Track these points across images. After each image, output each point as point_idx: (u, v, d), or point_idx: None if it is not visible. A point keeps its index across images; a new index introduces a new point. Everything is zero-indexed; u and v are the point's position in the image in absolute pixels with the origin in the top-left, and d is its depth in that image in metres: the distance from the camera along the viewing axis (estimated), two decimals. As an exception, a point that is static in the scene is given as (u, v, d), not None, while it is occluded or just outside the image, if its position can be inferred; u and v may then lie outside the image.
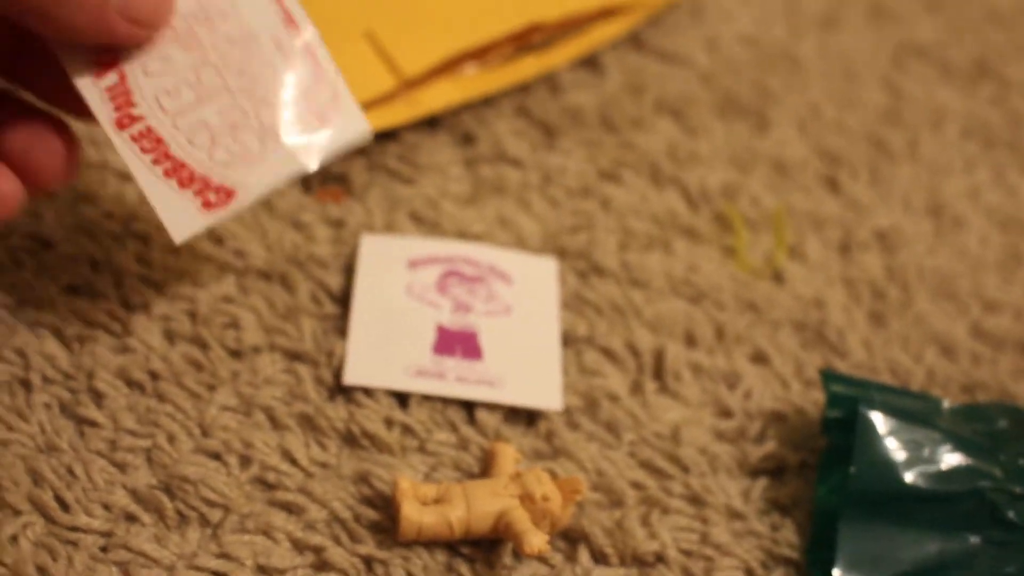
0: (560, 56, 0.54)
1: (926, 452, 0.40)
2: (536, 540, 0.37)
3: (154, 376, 0.42)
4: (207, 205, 0.39)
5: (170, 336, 0.43)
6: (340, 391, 0.42)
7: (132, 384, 0.42)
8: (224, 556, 0.38)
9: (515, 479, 0.39)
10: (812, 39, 0.60)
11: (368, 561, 0.38)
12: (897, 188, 0.53)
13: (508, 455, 0.40)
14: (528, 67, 0.53)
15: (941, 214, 0.52)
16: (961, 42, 0.62)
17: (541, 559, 0.39)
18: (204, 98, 0.39)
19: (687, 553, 0.40)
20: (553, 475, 0.40)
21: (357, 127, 0.41)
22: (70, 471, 0.39)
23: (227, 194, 0.39)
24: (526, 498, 0.38)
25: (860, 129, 0.56)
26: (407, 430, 0.42)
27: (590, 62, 0.56)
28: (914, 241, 0.51)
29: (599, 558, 0.40)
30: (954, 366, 0.47)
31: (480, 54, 0.52)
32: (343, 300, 0.45)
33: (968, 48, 0.61)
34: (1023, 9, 0.64)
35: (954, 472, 0.40)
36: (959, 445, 0.40)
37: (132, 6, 0.38)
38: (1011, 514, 0.40)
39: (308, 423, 0.41)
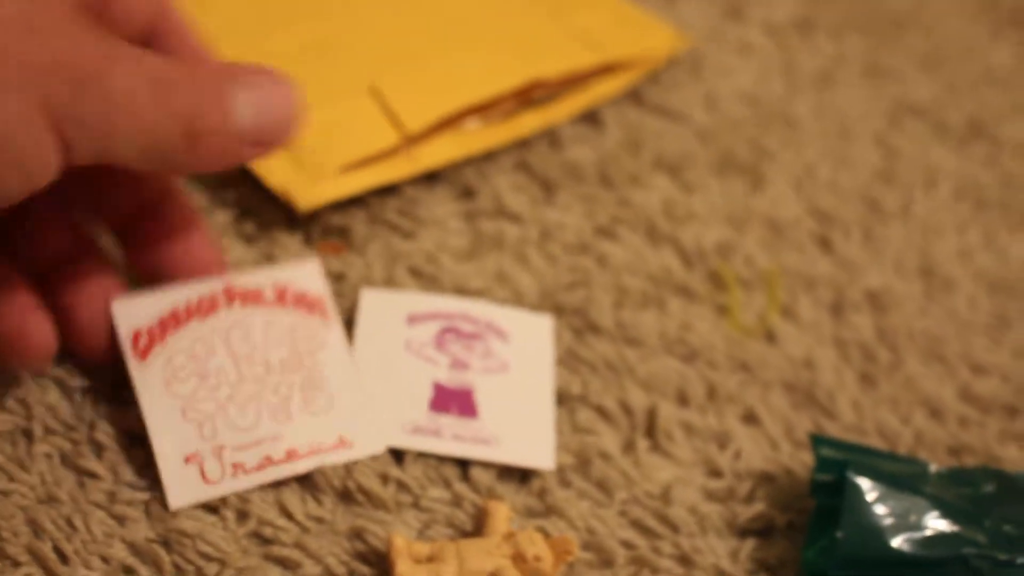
0: (561, 112, 0.55)
1: (913, 518, 0.41)
2: None
3: (154, 428, 0.43)
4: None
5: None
6: (337, 446, 0.43)
7: (132, 437, 0.42)
8: (220, 610, 0.39)
9: (508, 539, 0.40)
10: (808, 96, 0.61)
11: (361, 617, 0.39)
12: (889, 248, 0.54)
13: (501, 514, 0.41)
14: (529, 122, 0.54)
15: (932, 275, 0.53)
16: (956, 102, 0.62)
17: (531, 618, 0.40)
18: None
19: (675, 614, 0.41)
20: (545, 534, 0.41)
21: (375, 447, 0.43)
22: (69, 523, 0.40)
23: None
24: (518, 558, 0.39)
25: (853, 188, 0.56)
26: (402, 486, 0.42)
27: (590, 117, 0.56)
28: (905, 302, 0.52)
29: (588, 618, 0.40)
30: (942, 429, 0.47)
31: (482, 109, 0.53)
32: (342, 354, 0.46)
33: (963, 108, 0.62)
34: (1018, 69, 0.65)
35: (940, 538, 0.41)
36: (945, 511, 0.41)
37: (263, 131, 0.39)
38: (994, 581, 0.40)
39: (305, 478, 0.42)
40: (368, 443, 0.43)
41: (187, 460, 0.41)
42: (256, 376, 0.42)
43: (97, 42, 0.36)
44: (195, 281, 0.43)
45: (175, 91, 0.37)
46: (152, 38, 0.42)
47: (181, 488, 0.41)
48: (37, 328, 0.40)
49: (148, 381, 0.42)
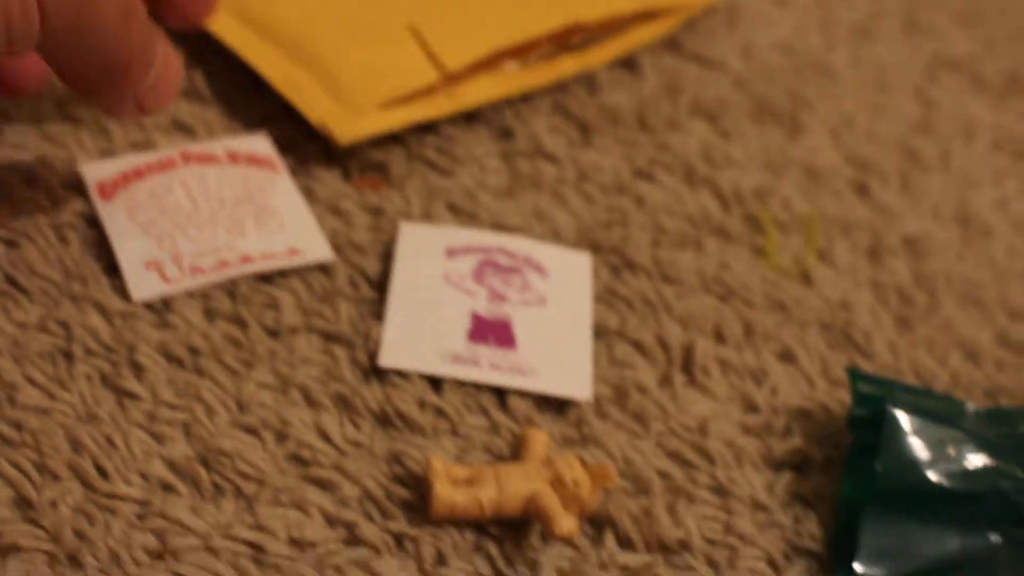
0: (598, 56, 0.55)
1: (951, 451, 0.41)
2: (566, 524, 0.38)
3: (194, 352, 0.43)
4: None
5: (210, 314, 0.44)
6: (375, 373, 0.43)
7: (171, 359, 0.43)
8: (259, 528, 0.39)
9: (547, 464, 0.40)
10: (846, 49, 0.61)
11: (399, 538, 0.39)
12: (927, 197, 0.54)
13: (539, 440, 0.41)
14: (567, 66, 0.54)
15: (969, 223, 0.53)
16: (994, 56, 0.62)
17: (569, 542, 0.40)
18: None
19: (711, 542, 0.41)
20: (583, 462, 0.41)
21: (322, 254, 0.46)
22: (110, 440, 0.40)
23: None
24: (557, 482, 0.39)
25: (891, 138, 0.56)
26: (440, 413, 0.42)
27: (627, 63, 0.56)
28: (942, 249, 0.51)
29: (624, 543, 0.40)
30: (978, 371, 0.47)
31: (521, 52, 0.53)
32: (380, 285, 0.46)
33: (1001, 62, 0.62)
34: (1056, 26, 0.65)
35: (978, 472, 0.41)
36: (983, 446, 0.41)
37: (146, 99, 0.42)
38: (1032, 515, 0.40)
39: (343, 402, 0.42)
40: (316, 251, 0.46)
41: (147, 266, 0.44)
42: (211, 208, 0.46)
43: None
44: (151, 150, 0.48)
45: (136, 20, 0.39)
46: None
47: (142, 286, 0.44)
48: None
49: (112, 212, 0.45)
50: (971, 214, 0.53)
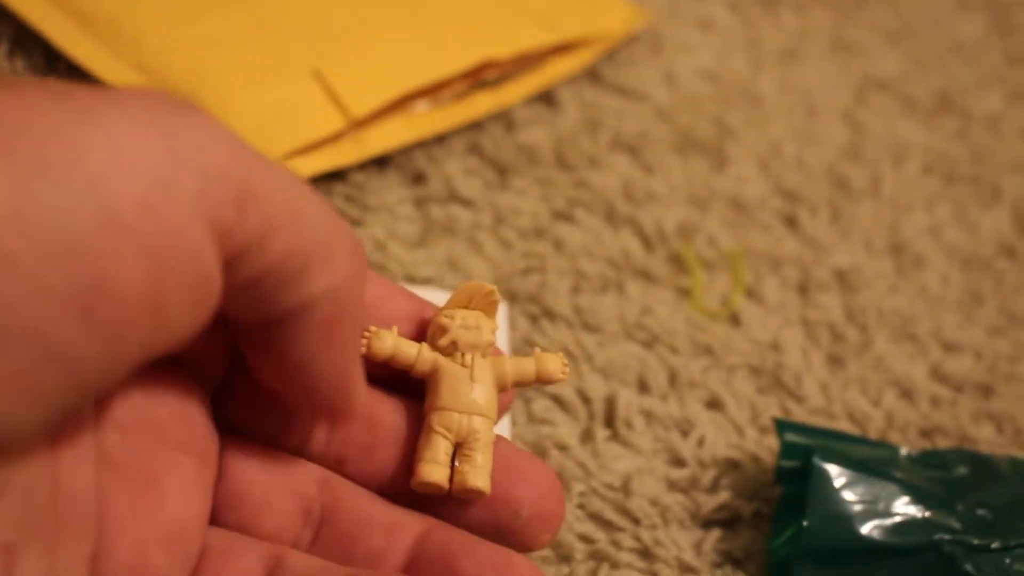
0: (515, 92, 0.53)
1: (882, 505, 0.39)
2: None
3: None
4: None
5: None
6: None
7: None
8: None
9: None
10: (773, 73, 0.59)
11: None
12: (857, 226, 0.52)
13: None
14: (482, 104, 0.52)
15: (902, 253, 0.51)
16: (924, 75, 0.61)
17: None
18: None
19: (636, 610, 0.39)
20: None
21: None
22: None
23: None
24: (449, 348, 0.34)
25: (820, 165, 0.55)
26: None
27: (545, 97, 0.55)
28: (874, 281, 0.50)
29: (545, 616, 0.38)
30: (913, 409, 0.46)
31: (432, 91, 0.51)
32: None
33: (931, 81, 0.60)
34: (986, 42, 0.64)
35: (911, 524, 0.39)
36: (916, 496, 0.39)
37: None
38: (969, 567, 0.39)
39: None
40: None
41: None
42: None
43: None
44: None
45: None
46: None
47: None
48: None
49: None
50: (903, 243, 0.52)
